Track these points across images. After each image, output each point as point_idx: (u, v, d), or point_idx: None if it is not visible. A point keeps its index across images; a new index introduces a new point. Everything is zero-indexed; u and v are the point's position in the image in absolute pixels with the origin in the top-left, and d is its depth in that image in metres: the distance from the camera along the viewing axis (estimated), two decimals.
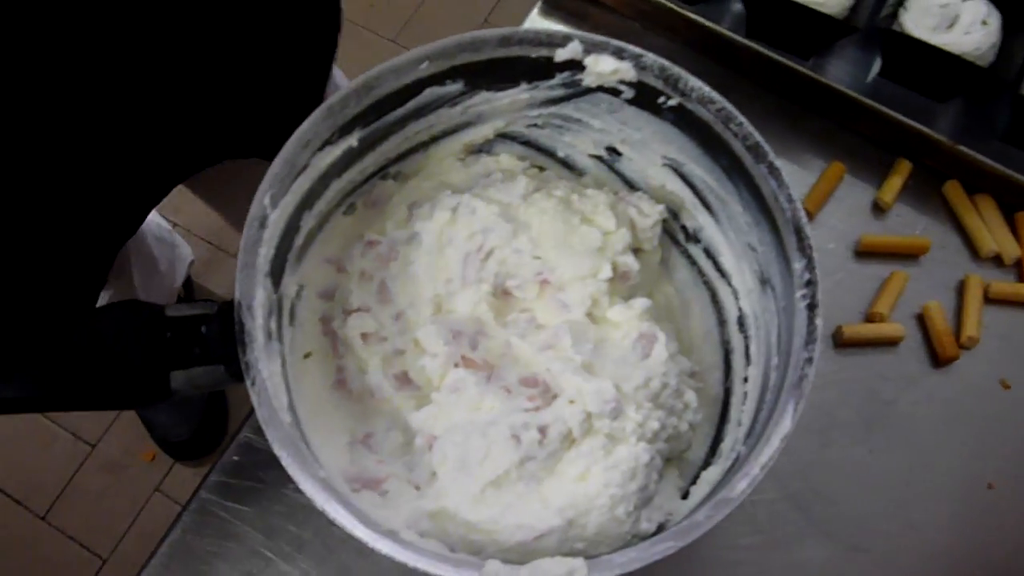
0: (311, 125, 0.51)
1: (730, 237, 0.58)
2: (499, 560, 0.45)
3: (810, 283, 0.50)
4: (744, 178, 0.54)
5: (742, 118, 0.53)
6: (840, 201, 0.70)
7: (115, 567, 1.31)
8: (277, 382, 0.49)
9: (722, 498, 0.46)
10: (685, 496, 0.55)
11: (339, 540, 0.60)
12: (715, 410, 0.59)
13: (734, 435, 0.57)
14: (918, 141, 0.69)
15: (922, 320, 0.67)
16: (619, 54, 0.54)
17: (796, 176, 0.70)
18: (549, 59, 0.55)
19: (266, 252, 0.50)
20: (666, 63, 0.54)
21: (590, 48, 0.54)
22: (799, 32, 0.70)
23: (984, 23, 0.67)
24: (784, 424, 0.47)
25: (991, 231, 0.68)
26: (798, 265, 0.51)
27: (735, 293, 0.59)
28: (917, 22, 0.67)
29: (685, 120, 0.55)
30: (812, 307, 0.50)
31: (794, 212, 0.51)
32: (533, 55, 0.54)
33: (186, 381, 0.48)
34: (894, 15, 0.69)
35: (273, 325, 0.51)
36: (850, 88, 0.69)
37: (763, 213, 0.54)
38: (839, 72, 0.72)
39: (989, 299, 0.67)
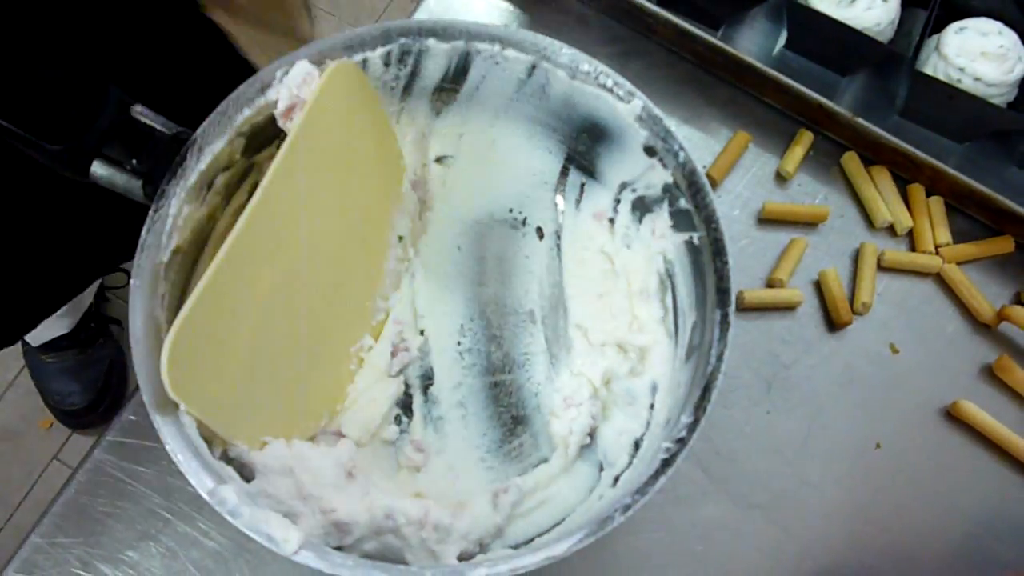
0: None
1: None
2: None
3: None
4: (706, 313, 0.55)
5: (728, 257, 0.53)
6: (746, 169, 0.72)
7: (9, 537, 1.26)
8: (174, 226, 0.50)
9: None
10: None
11: None
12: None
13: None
14: (819, 113, 0.71)
15: (819, 286, 0.69)
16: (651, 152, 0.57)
17: (703, 144, 0.71)
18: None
19: (249, 115, 0.52)
20: (696, 167, 0.55)
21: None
22: (709, 1, 0.71)
23: None
24: (559, 547, 0.47)
25: (886, 202, 0.71)
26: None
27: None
28: None
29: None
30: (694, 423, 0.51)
31: (714, 368, 0.52)
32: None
33: (105, 176, 0.48)
34: None
35: (219, 182, 0.53)
36: (757, 59, 0.70)
37: (701, 358, 0.55)
38: (748, 43, 0.74)
39: (882, 267, 0.70)
